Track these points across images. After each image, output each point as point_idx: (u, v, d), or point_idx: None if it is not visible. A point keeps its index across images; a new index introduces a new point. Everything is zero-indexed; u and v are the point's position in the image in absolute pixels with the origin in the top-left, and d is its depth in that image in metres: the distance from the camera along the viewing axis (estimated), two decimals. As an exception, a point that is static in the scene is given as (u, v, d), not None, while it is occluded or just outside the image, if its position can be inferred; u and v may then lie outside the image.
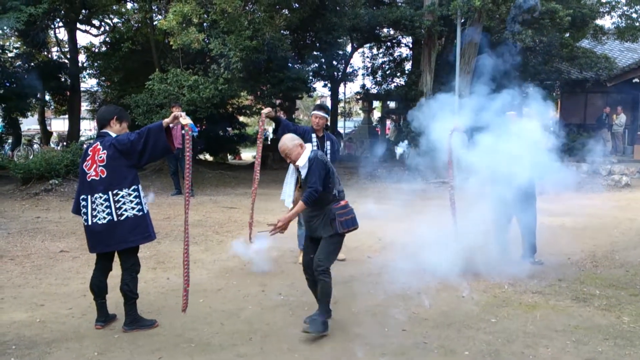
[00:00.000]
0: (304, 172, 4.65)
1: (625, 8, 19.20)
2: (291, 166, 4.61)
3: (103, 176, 4.58)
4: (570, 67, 20.51)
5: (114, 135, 4.70)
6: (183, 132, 4.73)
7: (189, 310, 4.83)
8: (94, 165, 4.61)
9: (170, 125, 4.63)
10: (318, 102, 26.04)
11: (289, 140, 4.72)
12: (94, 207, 4.59)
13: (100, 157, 4.59)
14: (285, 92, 17.40)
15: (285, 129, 6.91)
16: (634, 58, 20.68)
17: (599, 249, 7.63)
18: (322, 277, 4.58)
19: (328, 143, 6.90)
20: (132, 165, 4.66)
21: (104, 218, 4.57)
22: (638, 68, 19.13)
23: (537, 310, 5.26)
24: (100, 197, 4.58)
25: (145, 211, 4.72)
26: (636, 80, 19.67)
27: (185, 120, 4.59)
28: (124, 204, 4.59)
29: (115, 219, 4.57)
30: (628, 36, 18.96)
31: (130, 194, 4.62)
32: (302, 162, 4.63)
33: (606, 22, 19.24)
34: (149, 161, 4.87)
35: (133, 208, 4.62)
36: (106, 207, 4.57)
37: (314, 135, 6.82)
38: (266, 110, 6.49)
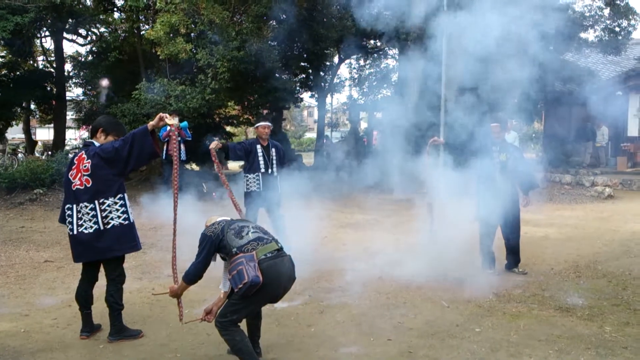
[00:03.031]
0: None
1: (608, 22, 19.44)
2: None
3: (88, 185, 4.57)
4: (553, 80, 20.70)
5: (97, 144, 4.70)
6: (170, 130, 4.61)
7: (173, 320, 4.81)
8: (79, 175, 4.60)
9: (163, 138, 4.60)
10: (305, 112, 26.08)
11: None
12: (79, 216, 4.58)
13: (85, 167, 4.59)
14: (272, 103, 17.46)
15: (234, 150, 7.48)
16: (616, 71, 20.97)
17: (582, 259, 7.71)
18: (221, 334, 4.03)
19: (273, 150, 7.54)
20: (118, 174, 4.64)
21: (91, 227, 4.56)
22: (621, 81, 19.38)
23: (520, 319, 5.31)
24: (86, 207, 4.56)
25: (132, 220, 4.72)
26: (619, 93, 19.92)
27: (171, 120, 4.46)
28: (110, 212, 4.59)
29: (102, 227, 4.56)
30: (611, 49, 19.20)
31: (116, 203, 4.62)
32: None
33: (589, 35, 19.36)
34: (135, 167, 4.82)
35: (119, 217, 4.62)
36: (92, 216, 4.56)
37: (258, 145, 7.45)
38: (212, 144, 6.84)
